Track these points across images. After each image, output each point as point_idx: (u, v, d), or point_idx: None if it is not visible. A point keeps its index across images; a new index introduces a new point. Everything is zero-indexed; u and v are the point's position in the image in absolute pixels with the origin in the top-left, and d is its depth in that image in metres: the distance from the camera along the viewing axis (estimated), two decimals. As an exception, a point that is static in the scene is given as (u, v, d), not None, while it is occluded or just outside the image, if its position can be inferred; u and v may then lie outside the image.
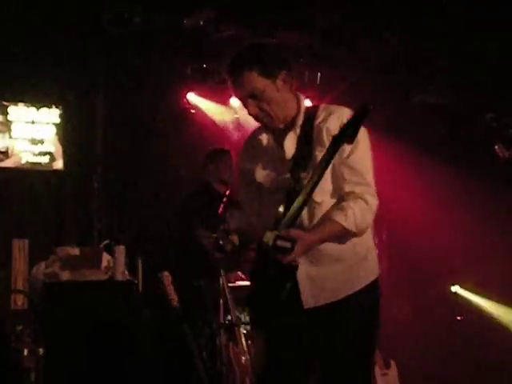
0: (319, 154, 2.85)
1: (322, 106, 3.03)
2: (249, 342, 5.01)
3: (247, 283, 4.22)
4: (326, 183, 2.90)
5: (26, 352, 4.91)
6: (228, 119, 7.76)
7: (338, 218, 2.83)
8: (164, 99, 7.32)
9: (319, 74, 7.20)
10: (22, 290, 5.91)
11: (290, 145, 2.97)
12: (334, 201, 2.92)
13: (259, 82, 2.90)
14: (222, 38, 6.38)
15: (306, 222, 2.90)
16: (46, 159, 6.89)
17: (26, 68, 6.59)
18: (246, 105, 2.97)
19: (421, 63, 6.95)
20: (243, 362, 4.98)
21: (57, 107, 6.95)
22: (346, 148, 2.85)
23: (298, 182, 2.84)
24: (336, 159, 2.84)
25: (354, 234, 2.89)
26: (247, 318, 5.22)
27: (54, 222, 6.88)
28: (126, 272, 5.02)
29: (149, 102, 7.18)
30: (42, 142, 6.88)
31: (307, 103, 3.09)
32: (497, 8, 5.83)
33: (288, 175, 2.90)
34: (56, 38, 6.43)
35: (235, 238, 3.09)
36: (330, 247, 2.90)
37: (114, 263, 4.96)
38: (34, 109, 6.88)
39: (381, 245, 3.09)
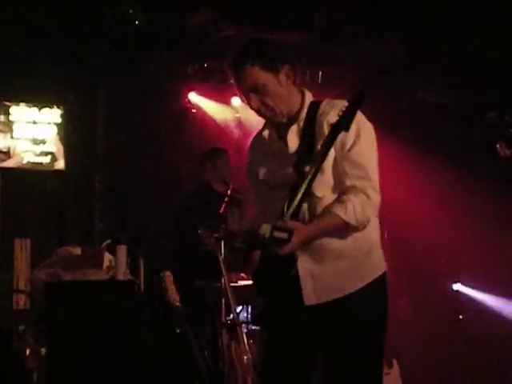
0: (321, 147, 2.81)
1: (326, 100, 3.00)
2: (250, 341, 5.02)
3: (249, 282, 4.24)
4: (327, 177, 2.88)
5: (28, 352, 4.91)
6: (229, 118, 7.76)
7: (338, 210, 2.80)
8: (165, 99, 7.33)
9: (320, 72, 7.20)
10: (24, 290, 5.91)
11: (292, 139, 2.95)
12: (335, 195, 2.88)
13: (261, 75, 2.88)
14: (222, 38, 6.39)
15: (306, 216, 2.86)
16: (47, 159, 6.90)
17: (27, 68, 6.60)
18: (248, 99, 2.94)
19: (421, 63, 6.95)
20: (245, 361, 4.98)
21: (58, 107, 6.95)
22: (348, 141, 2.84)
23: (302, 176, 2.79)
24: (338, 153, 2.83)
25: (355, 228, 2.85)
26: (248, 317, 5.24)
27: (55, 222, 6.89)
28: (128, 272, 5.02)
29: (150, 101, 7.18)
30: (43, 142, 6.89)
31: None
32: (497, 8, 5.84)
33: (291, 170, 2.86)
34: (56, 38, 6.44)
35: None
36: (333, 243, 2.87)
37: (116, 263, 4.96)
38: (35, 109, 6.88)
39: (382, 244, 3.05)
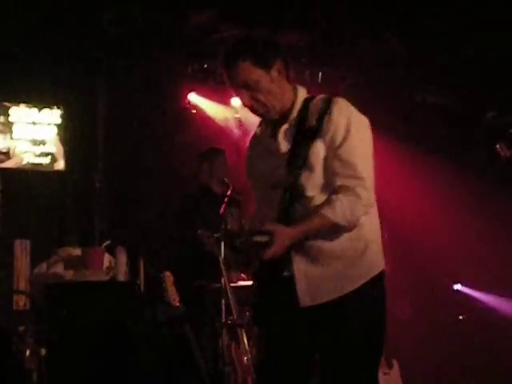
0: (312, 144, 2.81)
1: (319, 96, 2.96)
2: (250, 341, 5.02)
3: (249, 283, 4.24)
4: (318, 177, 2.84)
5: (28, 352, 4.92)
6: (229, 119, 7.76)
7: (326, 211, 2.77)
8: (165, 99, 7.33)
9: (320, 73, 7.21)
10: (24, 290, 5.92)
11: (283, 137, 2.92)
12: (326, 195, 2.84)
13: (253, 72, 2.87)
14: (221, 38, 6.39)
15: (298, 216, 2.82)
16: (47, 160, 6.90)
17: (27, 69, 6.60)
18: (240, 96, 2.92)
19: (420, 63, 6.96)
20: (245, 361, 4.98)
21: (58, 108, 6.96)
22: (337, 137, 2.81)
23: (294, 175, 2.79)
24: (328, 150, 2.81)
25: (345, 228, 2.82)
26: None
27: (55, 222, 6.88)
28: (128, 272, 5.03)
29: (150, 102, 7.18)
30: (43, 142, 6.89)
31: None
32: (497, 8, 5.84)
33: (284, 169, 2.84)
34: (56, 38, 6.44)
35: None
36: (327, 244, 2.84)
37: (116, 264, 4.97)
38: (35, 110, 6.89)
39: (382, 245, 3.02)
